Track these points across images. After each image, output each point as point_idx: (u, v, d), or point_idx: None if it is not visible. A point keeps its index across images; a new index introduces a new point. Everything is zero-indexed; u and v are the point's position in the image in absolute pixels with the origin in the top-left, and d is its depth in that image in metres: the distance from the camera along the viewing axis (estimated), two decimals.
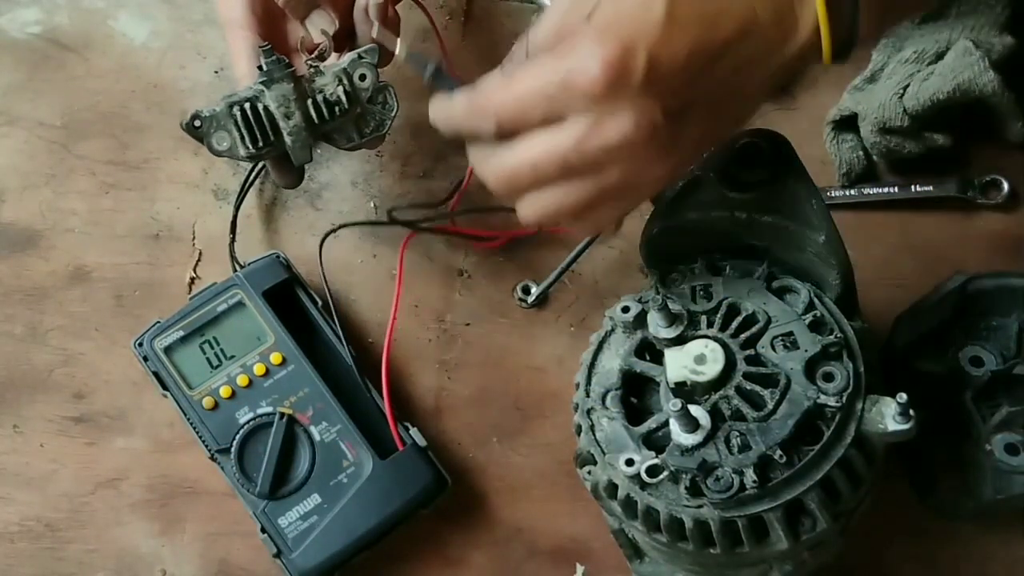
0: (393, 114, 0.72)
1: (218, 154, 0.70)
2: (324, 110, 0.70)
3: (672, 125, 0.53)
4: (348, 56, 0.70)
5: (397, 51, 0.66)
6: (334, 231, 0.79)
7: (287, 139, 0.70)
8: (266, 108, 0.69)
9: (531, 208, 0.57)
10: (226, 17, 0.73)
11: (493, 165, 0.56)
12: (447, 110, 0.58)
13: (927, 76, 0.79)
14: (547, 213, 0.57)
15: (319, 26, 0.71)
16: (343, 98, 0.70)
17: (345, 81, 0.70)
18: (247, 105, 0.69)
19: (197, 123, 0.69)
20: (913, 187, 0.81)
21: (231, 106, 0.69)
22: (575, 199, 0.56)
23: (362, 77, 0.70)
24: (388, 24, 0.72)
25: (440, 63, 0.61)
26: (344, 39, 0.72)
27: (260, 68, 0.69)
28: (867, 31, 0.55)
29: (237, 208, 0.81)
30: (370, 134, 0.73)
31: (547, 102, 0.53)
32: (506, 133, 0.55)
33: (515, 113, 0.54)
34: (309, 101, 0.70)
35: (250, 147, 0.70)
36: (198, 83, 0.88)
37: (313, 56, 0.71)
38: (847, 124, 0.82)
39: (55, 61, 0.89)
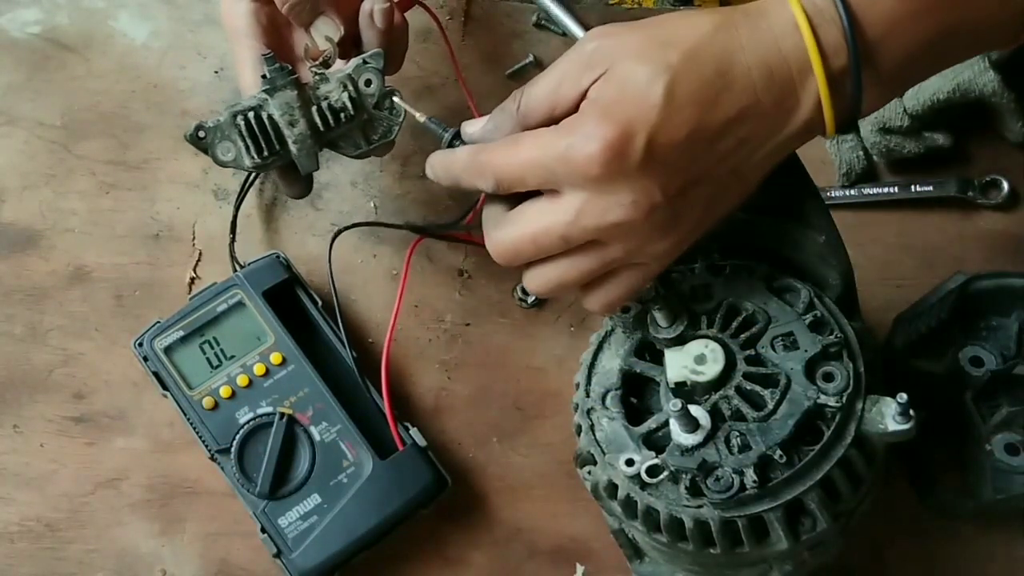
0: (401, 120, 0.70)
1: (223, 165, 0.69)
2: (329, 117, 0.68)
3: (672, 204, 0.54)
4: (353, 62, 0.69)
5: (417, 116, 0.66)
6: (345, 229, 0.78)
7: (292, 148, 0.68)
8: (270, 117, 0.68)
9: (537, 280, 0.58)
10: (231, 27, 0.72)
11: (496, 237, 0.58)
12: (449, 161, 0.60)
13: None
14: (551, 285, 0.58)
15: (324, 33, 0.70)
16: (348, 104, 0.68)
17: (350, 87, 0.68)
18: (251, 114, 0.67)
19: (201, 134, 0.68)
20: (913, 187, 0.81)
21: (235, 115, 0.67)
22: (577, 273, 0.57)
23: (368, 83, 0.69)
24: (395, 30, 0.71)
25: (458, 131, 0.62)
26: (350, 46, 0.71)
27: (263, 76, 0.67)
28: (870, 107, 0.55)
29: (237, 208, 0.81)
30: (378, 141, 0.71)
31: (545, 173, 0.54)
32: (503, 192, 0.57)
33: (513, 178, 0.56)
34: (314, 108, 0.68)
35: (255, 157, 0.68)
36: (198, 83, 0.88)
37: (317, 63, 0.69)
38: None
39: (55, 61, 0.89)
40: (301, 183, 0.73)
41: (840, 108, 0.54)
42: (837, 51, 0.52)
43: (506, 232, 0.57)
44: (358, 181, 0.84)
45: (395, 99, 0.69)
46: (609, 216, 0.53)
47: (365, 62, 0.68)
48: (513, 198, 0.58)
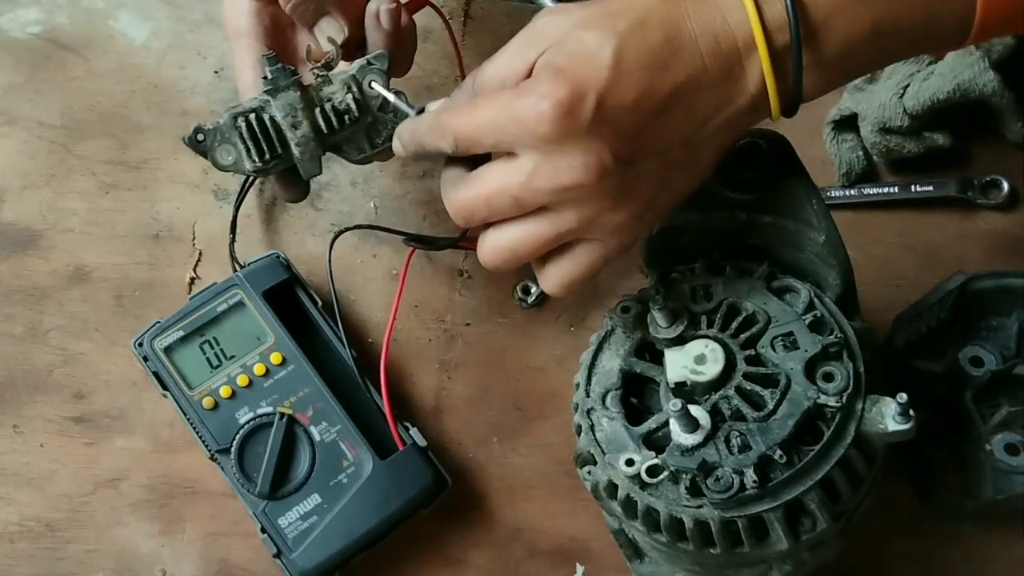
0: None
1: (223, 169, 0.67)
2: (333, 119, 0.67)
3: (623, 171, 0.54)
4: (357, 63, 0.67)
5: (387, 95, 0.66)
6: (344, 231, 0.78)
7: (295, 150, 0.67)
8: (272, 119, 0.66)
9: (489, 246, 0.58)
10: (232, 26, 0.72)
11: (452, 195, 0.58)
12: (414, 125, 0.61)
13: (927, 76, 0.79)
14: (504, 254, 0.58)
15: (327, 34, 0.69)
16: (352, 106, 0.67)
17: (354, 88, 0.67)
18: (252, 116, 0.65)
19: (200, 137, 0.66)
20: (913, 187, 0.81)
21: (235, 117, 0.65)
22: (531, 240, 0.57)
23: (371, 84, 0.67)
24: (402, 32, 0.71)
25: (423, 108, 0.63)
26: (354, 48, 0.70)
27: (265, 77, 0.66)
28: (813, 91, 0.56)
29: (237, 208, 0.81)
30: (382, 144, 0.69)
31: (499, 133, 0.55)
32: (462, 153, 0.58)
33: (470, 136, 0.56)
34: (317, 110, 0.66)
35: (256, 160, 0.66)
36: (198, 83, 0.88)
37: (320, 64, 0.68)
38: (847, 124, 0.82)
39: (55, 61, 0.89)
40: (300, 187, 0.72)
41: (784, 89, 0.55)
42: (780, 28, 0.54)
43: (462, 191, 0.57)
44: (358, 181, 0.84)
45: (373, 84, 0.67)
46: (561, 178, 0.53)
47: (369, 63, 0.67)
48: (473, 161, 0.58)
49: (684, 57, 0.53)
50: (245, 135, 0.66)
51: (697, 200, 0.62)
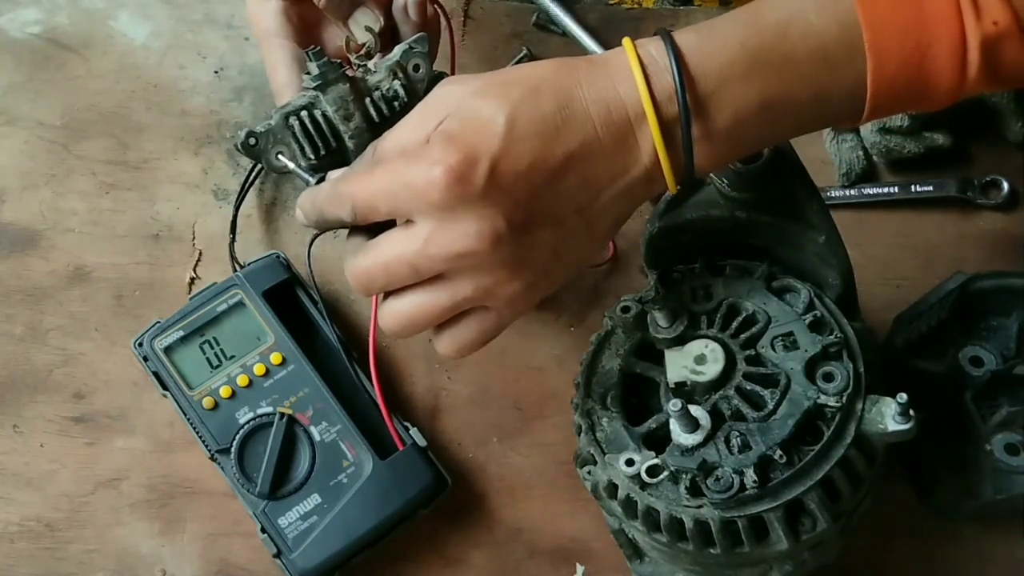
0: None
1: (277, 171, 0.66)
2: (384, 107, 0.65)
3: (518, 238, 0.54)
4: (398, 48, 0.66)
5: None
6: (317, 236, 0.77)
7: (349, 143, 0.65)
8: (324, 114, 0.64)
9: (389, 315, 0.57)
10: (260, 28, 0.71)
11: (351, 264, 0.57)
12: (313, 194, 0.59)
13: None
14: (403, 321, 0.57)
15: (364, 24, 0.68)
16: (401, 92, 0.65)
17: (400, 74, 0.65)
18: (304, 113, 0.63)
19: (252, 140, 0.63)
20: (913, 187, 0.81)
21: (287, 116, 0.63)
22: (429, 308, 0.56)
23: (416, 68, 0.65)
24: (428, 22, 0.72)
25: (323, 177, 0.61)
26: (387, 39, 0.70)
27: (309, 73, 0.64)
28: (706, 163, 0.55)
29: (237, 208, 0.81)
30: None
31: (393, 199, 0.54)
32: (361, 222, 0.57)
33: (366, 203, 0.56)
34: (367, 100, 0.64)
35: (311, 157, 0.64)
36: (198, 83, 0.88)
37: (361, 54, 0.67)
38: None
39: (55, 61, 0.89)
40: None
41: (676, 162, 0.54)
42: (670, 99, 0.53)
43: (360, 260, 0.56)
44: None
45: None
46: (455, 245, 0.53)
47: (411, 47, 0.66)
48: (374, 229, 0.57)
49: (576, 125, 0.53)
50: (299, 133, 0.64)
51: (697, 200, 0.62)
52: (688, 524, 0.56)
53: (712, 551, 0.58)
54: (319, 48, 0.64)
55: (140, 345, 0.75)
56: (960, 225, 0.80)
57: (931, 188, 0.80)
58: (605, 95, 0.54)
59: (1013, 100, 0.78)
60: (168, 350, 0.75)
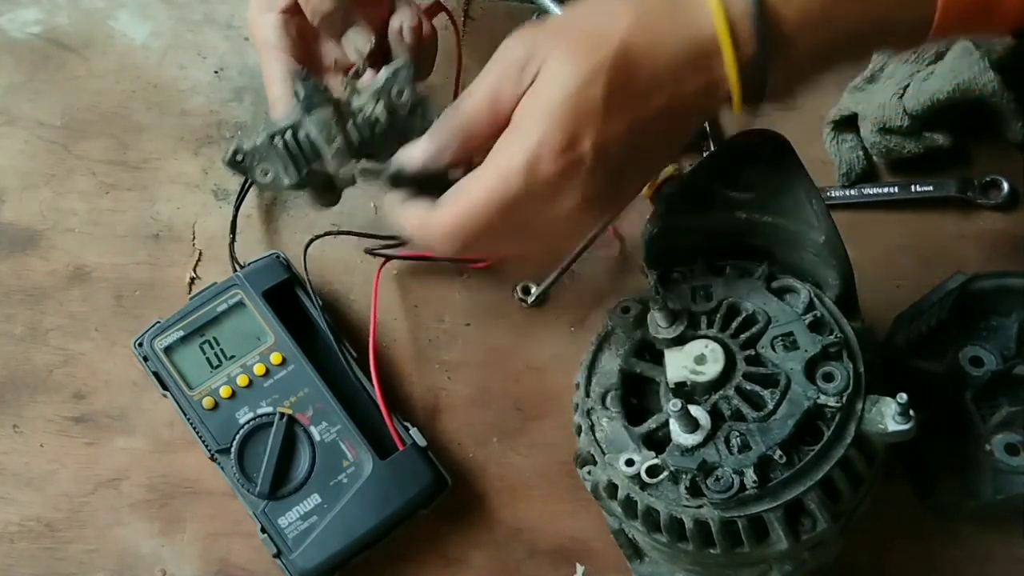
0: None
1: (263, 187, 0.69)
2: (366, 130, 0.67)
3: (611, 189, 0.57)
4: (383, 73, 0.67)
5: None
6: (315, 239, 0.79)
7: (331, 164, 0.67)
8: (307, 135, 0.66)
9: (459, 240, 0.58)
10: (259, 38, 0.72)
11: (440, 215, 0.58)
12: (423, 225, 0.59)
13: (927, 76, 0.79)
14: (474, 246, 0.58)
15: (355, 45, 0.70)
16: (382, 116, 0.67)
17: (384, 99, 0.67)
18: (288, 134, 0.66)
19: (239, 157, 0.67)
20: (913, 187, 0.81)
21: (272, 136, 0.66)
22: (507, 250, 0.61)
23: (399, 93, 0.67)
24: (424, 42, 0.72)
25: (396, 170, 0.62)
26: (379, 56, 0.71)
27: (297, 95, 0.66)
28: (775, 94, 0.57)
29: (237, 208, 0.81)
30: None
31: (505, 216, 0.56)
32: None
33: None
34: (350, 123, 0.67)
35: (294, 176, 0.67)
36: (198, 83, 0.88)
37: (350, 76, 0.69)
38: (847, 124, 0.82)
39: (55, 61, 0.89)
40: (332, 194, 0.71)
41: (749, 94, 0.56)
42: (750, 37, 0.55)
43: (449, 218, 0.57)
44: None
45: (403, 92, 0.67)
46: (560, 213, 0.56)
47: (395, 73, 0.67)
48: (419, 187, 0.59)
49: (665, 79, 0.55)
50: (282, 153, 0.66)
51: (697, 200, 0.62)
52: (688, 524, 0.56)
53: (712, 551, 0.58)
54: (306, 70, 0.66)
55: (140, 345, 0.75)
56: (960, 225, 0.80)
57: (931, 188, 0.80)
58: (687, 38, 0.55)
59: (1013, 100, 0.78)
60: (168, 350, 0.75)
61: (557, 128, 0.54)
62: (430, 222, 0.58)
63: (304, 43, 0.72)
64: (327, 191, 0.70)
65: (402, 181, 0.60)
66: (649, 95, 0.55)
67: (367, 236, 0.80)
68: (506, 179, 0.55)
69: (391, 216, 0.61)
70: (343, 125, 0.66)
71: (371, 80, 0.68)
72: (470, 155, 0.59)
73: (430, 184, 0.59)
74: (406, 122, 0.68)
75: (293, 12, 0.71)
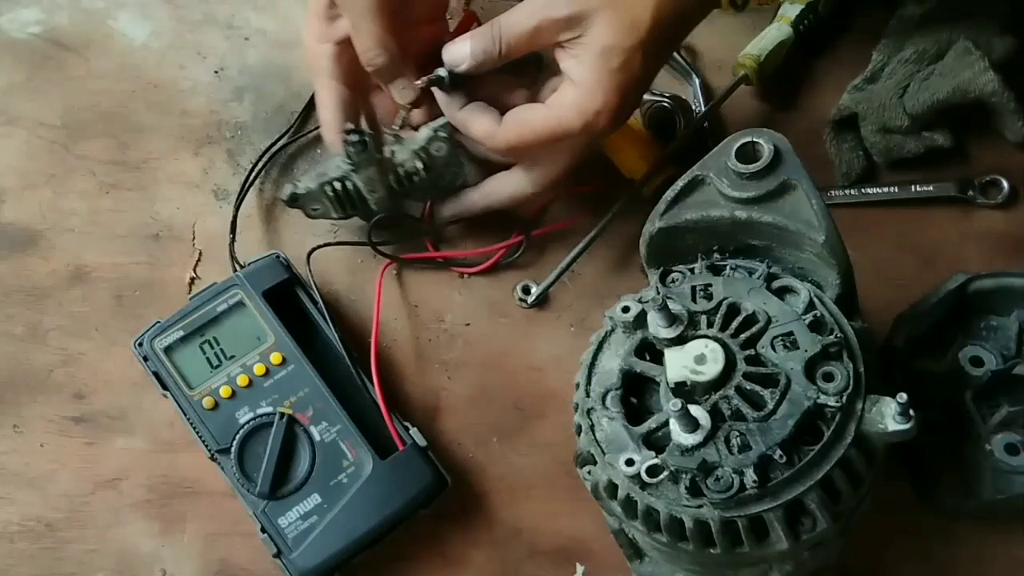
0: (463, 175, 0.78)
1: (313, 217, 0.79)
2: (405, 182, 0.77)
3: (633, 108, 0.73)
4: (424, 133, 0.75)
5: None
6: (315, 249, 0.79)
7: (372, 206, 0.78)
8: (354, 184, 0.76)
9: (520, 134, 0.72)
10: (314, 66, 0.77)
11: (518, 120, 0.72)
12: (489, 136, 0.73)
13: (927, 76, 0.79)
14: (519, 157, 0.75)
15: (400, 96, 0.75)
16: (420, 169, 0.76)
17: (423, 155, 0.76)
18: (337, 184, 0.76)
19: (295, 199, 0.77)
20: (913, 187, 0.81)
21: (323, 185, 0.76)
22: (541, 158, 0.75)
23: (438, 149, 0.76)
24: None
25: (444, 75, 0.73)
26: (426, 102, 0.76)
27: (348, 155, 0.74)
28: None
29: (237, 208, 0.81)
30: (446, 188, 0.79)
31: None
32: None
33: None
34: (391, 176, 0.76)
35: (339, 212, 0.78)
36: (198, 83, 0.88)
37: (395, 127, 0.76)
38: (847, 124, 0.82)
39: (55, 61, 0.89)
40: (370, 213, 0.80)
41: None
42: None
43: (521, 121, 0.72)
44: None
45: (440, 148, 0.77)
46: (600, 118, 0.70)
47: (436, 132, 0.75)
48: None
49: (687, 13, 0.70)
50: (331, 197, 0.77)
51: (697, 200, 0.62)
52: (688, 524, 0.56)
53: (712, 551, 0.58)
54: (355, 131, 0.74)
55: (140, 345, 0.75)
56: (960, 225, 0.80)
57: (931, 188, 0.80)
58: None
59: (1013, 100, 0.78)
60: (168, 350, 0.75)
61: (611, 95, 0.68)
62: (496, 136, 0.72)
63: (354, 73, 0.77)
64: (367, 215, 0.80)
65: (455, 80, 0.73)
66: (674, 40, 0.72)
67: (365, 245, 0.80)
68: (564, 126, 0.70)
69: (458, 119, 0.74)
70: (385, 178, 0.76)
71: (413, 136, 0.76)
72: (500, 66, 0.72)
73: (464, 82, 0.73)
74: (440, 173, 0.77)
75: (347, 44, 0.75)
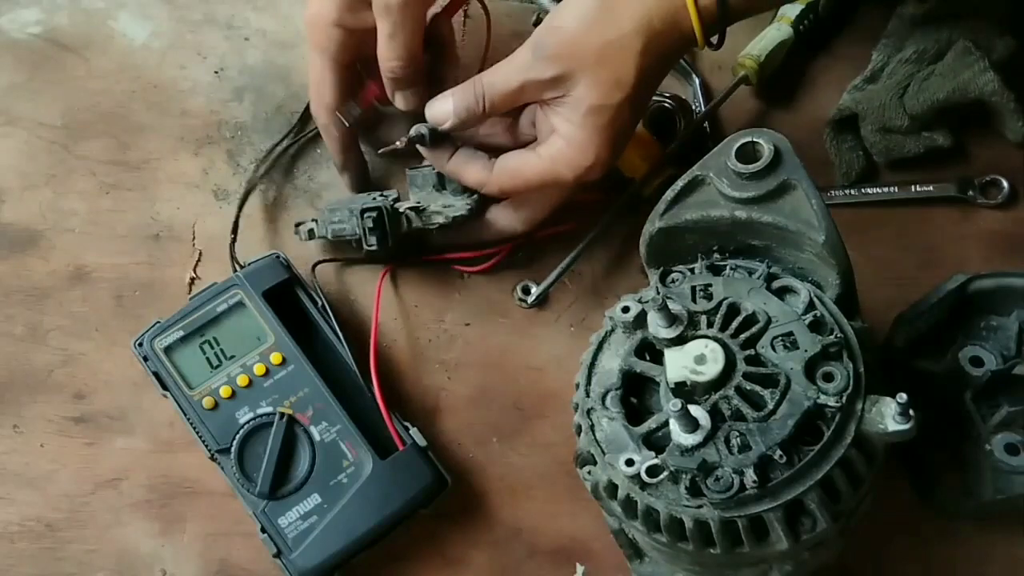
0: (476, 201, 0.78)
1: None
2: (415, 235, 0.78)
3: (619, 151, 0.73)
4: (451, 212, 0.76)
5: (397, 144, 0.76)
6: (318, 263, 0.79)
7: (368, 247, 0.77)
8: (365, 229, 0.76)
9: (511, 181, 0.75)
10: (318, 44, 0.77)
11: (511, 164, 0.74)
12: (482, 183, 0.75)
13: (927, 76, 0.79)
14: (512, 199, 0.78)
15: (405, 98, 0.77)
16: (417, 221, 0.77)
17: (447, 220, 0.77)
18: (374, 213, 0.76)
19: (309, 237, 0.79)
20: (913, 187, 0.81)
21: (361, 213, 0.76)
22: (531, 198, 0.77)
23: (461, 214, 0.77)
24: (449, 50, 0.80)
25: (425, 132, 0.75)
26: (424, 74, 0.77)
27: (365, 228, 0.76)
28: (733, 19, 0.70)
29: (240, 208, 0.81)
30: (458, 218, 0.78)
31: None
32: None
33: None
34: (404, 228, 0.77)
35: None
36: (198, 83, 0.88)
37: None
38: (847, 124, 0.82)
39: (55, 61, 0.89)
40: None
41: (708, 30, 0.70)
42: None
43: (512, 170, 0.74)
44: None
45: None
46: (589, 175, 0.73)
47: (467, 209, 0.77)
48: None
49: (661, 63, 0.71)
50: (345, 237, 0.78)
51: (697, 200, 0.62)
52: (688, 524, 0.56)
53: (712, 551, 0.58)
54: (376, 216, 0.76)
55: (140, 345, 0.75)
56: (960, 225, 0.80)
57: (931, 188, 0.80)
58: (674, 35, 0.69)
59: (1013, 100, 0.78)
60: (168, 350, 0.75)
61: (602, 149, 0.70)
62: (489, 184, 0.74)
63: (352, 61, 0.78)
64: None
65: (434, 136, 0.74)
66: (657, 82, 0.72)
67: (367, 263, 0.80)
68: (555, 176, 0.72)
69: (449, 169, 0.76)
70: (397, 231, 0.77)
71: (439, 209, 0.77)
72: (482, 123, 0.74)
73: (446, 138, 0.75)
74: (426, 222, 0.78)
75: (361, 34, 0.75)
